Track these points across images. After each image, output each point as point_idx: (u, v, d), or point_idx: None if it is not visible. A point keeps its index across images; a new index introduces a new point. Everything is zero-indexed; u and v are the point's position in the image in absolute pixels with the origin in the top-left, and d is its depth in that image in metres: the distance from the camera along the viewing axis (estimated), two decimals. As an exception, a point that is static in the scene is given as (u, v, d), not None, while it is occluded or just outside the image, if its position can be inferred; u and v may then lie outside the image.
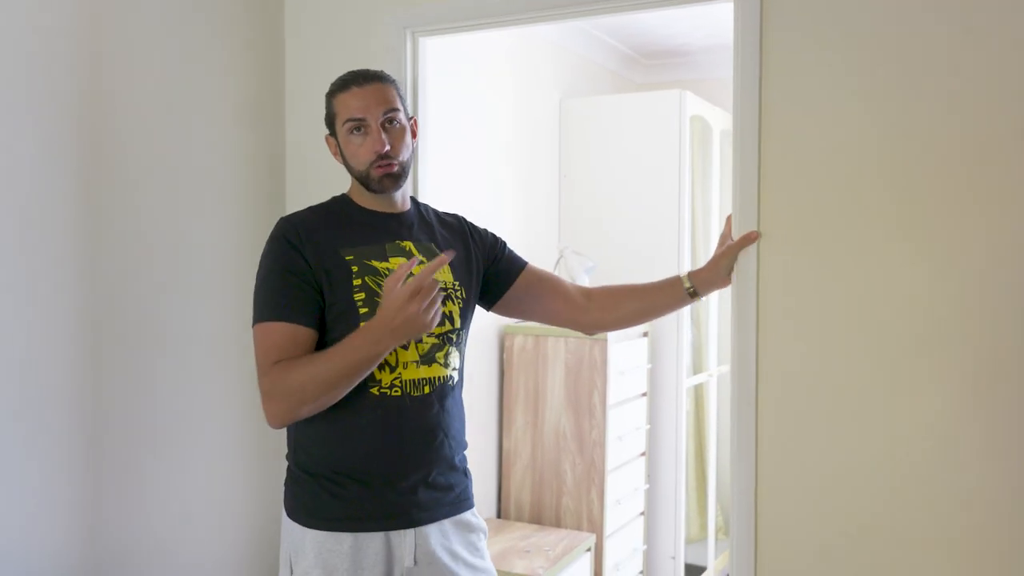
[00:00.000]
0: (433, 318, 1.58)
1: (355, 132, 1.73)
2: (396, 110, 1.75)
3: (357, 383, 1.64)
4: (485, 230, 1.98)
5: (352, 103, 1.72)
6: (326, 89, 1.82)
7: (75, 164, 2.03)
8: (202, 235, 2.36)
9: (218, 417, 2.38)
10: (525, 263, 1.99)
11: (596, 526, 3.44)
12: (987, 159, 1.80)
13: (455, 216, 1.97)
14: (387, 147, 1.71)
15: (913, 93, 1.85)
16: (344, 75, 1.78)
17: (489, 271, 1.94)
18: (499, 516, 3.64)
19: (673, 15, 3.75)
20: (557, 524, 3.50)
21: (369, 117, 1.72)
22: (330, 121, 1.79)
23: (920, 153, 1.85)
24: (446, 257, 1.58)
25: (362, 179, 1.76)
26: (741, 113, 2.00)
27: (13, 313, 1.90)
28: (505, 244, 2.00)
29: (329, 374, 1.60)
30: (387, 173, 1.73)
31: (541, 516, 3.54)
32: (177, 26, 2.29)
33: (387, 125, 1.73)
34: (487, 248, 1.94)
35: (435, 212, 1.93)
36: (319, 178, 2.35)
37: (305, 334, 1.67)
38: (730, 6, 2.05)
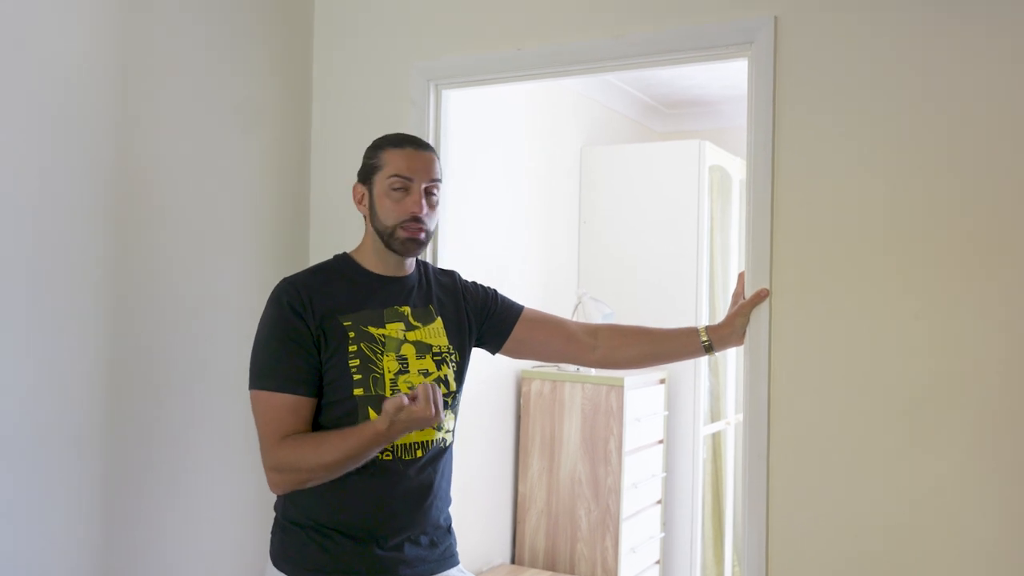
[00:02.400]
0: (436, 413, 1.59)
1: (396, 189, 1.76)
2: (439, 182, 1.80)
3: (362, 463, 1.69)
4: (475, 284, 2.01)
5: (403, 162, 1.76)
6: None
7: (99, 207, 2.08)
8: (222, 281, 2.40)
9: (224, 458, 2.40)
10: (521, 308, 2.02)
11: (610, 574, 3.43)
12: (991, 218, 1.83)
13: (449, 274, 1.99)
14: (424, 211, 1.76)
15: (919, 156, 1.89)
16: (398, 134, 1.83)
17: (486, 323, 1.97)
18: (513, 561, 3.63)
19: (694, 66, 3.82)
20: (571, 571, 3.49)
21: (416, 180, 1.76)
22: (368, 171, 1.80)
23: (926, 213, 1.88)
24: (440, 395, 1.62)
25: (386, 236, 1.78)
26: (754, 171, 2.03)
27: (33, 352, 1.94)
28: (497, 294, 2.02)
29: (334, 460, 1.65)
30: (413, 238, 1.76)
31: (555, 562, 3.54)
32: (205, 68, 2.35)
33: (427, 194, 1.78)
34: (479, 303, 1.97)
35: (433, 270, 1.96)
36: (343, 228, 2.40)
37: (306, 404, 1.71)
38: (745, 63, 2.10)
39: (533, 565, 3.57)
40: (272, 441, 1.69)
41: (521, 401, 3.63)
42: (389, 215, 1.76)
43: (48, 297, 1.97)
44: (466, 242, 3.16)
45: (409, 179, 1.75)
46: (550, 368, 3.64)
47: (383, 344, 1.75)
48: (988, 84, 1.83)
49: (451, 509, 1.90)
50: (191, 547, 2.32)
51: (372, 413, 1.71)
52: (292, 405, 1.70)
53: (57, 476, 1.99)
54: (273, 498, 1.84)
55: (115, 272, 2.11)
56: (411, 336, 1.79)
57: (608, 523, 3.45)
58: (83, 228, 2.04)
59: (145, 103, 2.18)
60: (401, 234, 1.76)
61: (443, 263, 2.44)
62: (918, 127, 1.89)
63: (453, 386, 1.83)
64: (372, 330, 1.75)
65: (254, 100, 2.50)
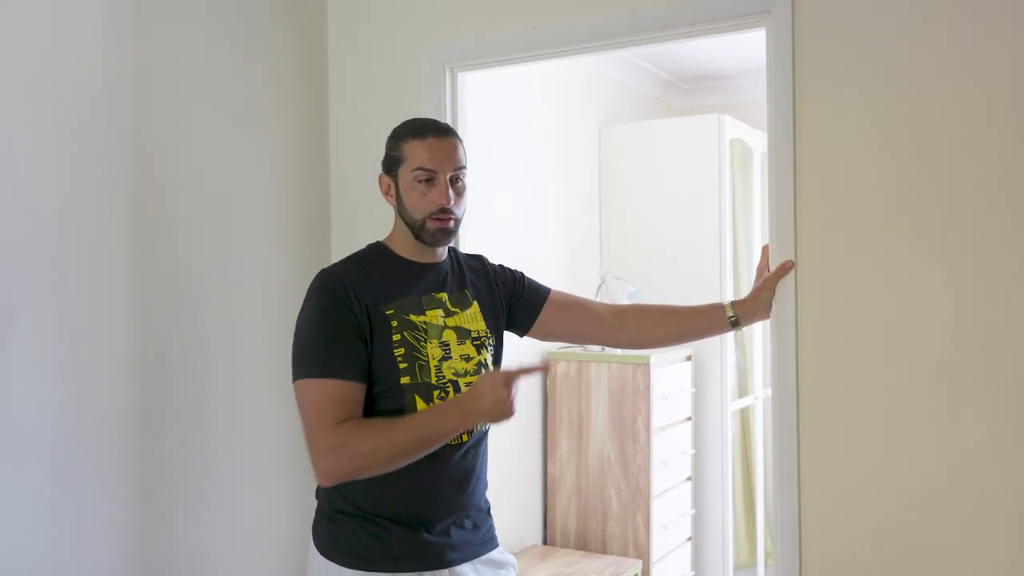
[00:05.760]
0: (514, 407, 1.61)
1: (421, 182, 1.73)
2: (463, 168, 1.77)
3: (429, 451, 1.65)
4: (503, 267, 2.00)
5: (425, 153, 1.73)
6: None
7: (126, 206, 2.11)
8: (248, 275, 2.41)
9: (256, 453, 2.42)
10: (548, 290, 2.02)
11: (642, 552, 3.44)
12: (1018, 186, 1.79)
13: (477, 258, 1.98)
14: (451, 202, 1.73)
15: (943, 120, 1.86)
16: (417, 121, 1.79)
17: (514, 306, 1.96)
18: (545, 542, 3.65)
19: (710, 40, 3.78)
20: (603, 550, 3.50)
21: (440, 171, 1.73)
22: (392, 163, 1.78)
23: (951, 181, 1.85)
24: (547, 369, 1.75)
25: (416, 228, 1.76)
26: (775, 142, 2.01)
27: (64, 354, 1.97)
28: (524, 276, 2.02)
29: (405, 445, 1.60)
30: (442, 227, 1.74)
31: (587, 542, 3.54)
32: (220, 62, 2.36)
33: (453, 182, 1.75)
34: (507, 286, 1.96)
35: (463, 256, 1.95)
36: (364, 217, 2.40)
37: (358, 390, 1.66)
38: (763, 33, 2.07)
39: (565, 545, 3.58)
40: (325, 426, 1.62)
41: (548, 382, 3.63)
42: (417, 208, 1.74)
43: (77, 300, 2.00)
44: (487, 225, 3.15)
45: (433, 171, 1.73)
46: (576, 349, 3.64)
47: (425, 331, 1.74)
48: (1014, 54, 1.79)
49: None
50: (227, 544, 2.35)
51: (419, 401, 1.70)
52: (345, 392, 1.64)
53: (92, 474, 2.02)
54: (311, 488, 1.84)
55: (142, 271, 2.13)
56: (450, 322, 1.79)
57: (639, 501, 3.45)
58: (107, 229, 2.06)
59: (161, 99, 2.19)
60: (431, 225, 1.74)
61: (465, 247, 2.44)
62: (944, 91, 1.85)
63: (491, 369, 1.84)
64: (413, 318, 1.74)
65: (270, 92, 2.50)
